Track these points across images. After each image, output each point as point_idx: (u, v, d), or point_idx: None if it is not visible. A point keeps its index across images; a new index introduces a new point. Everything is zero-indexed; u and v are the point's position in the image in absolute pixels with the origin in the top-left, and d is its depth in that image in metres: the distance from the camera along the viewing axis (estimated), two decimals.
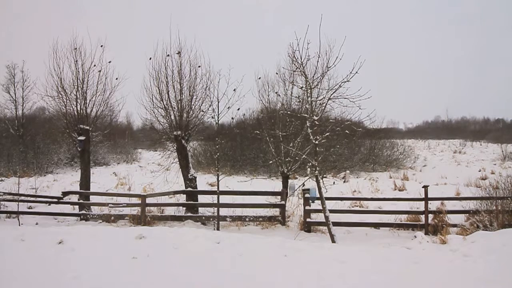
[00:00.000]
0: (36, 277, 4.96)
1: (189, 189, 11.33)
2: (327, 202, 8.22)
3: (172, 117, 11.37)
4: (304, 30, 7.84)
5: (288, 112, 10.62)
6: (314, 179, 8.20)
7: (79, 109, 11.48)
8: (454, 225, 9.09)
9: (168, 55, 11.16)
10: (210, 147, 23.21)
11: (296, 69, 8.67)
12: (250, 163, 22.80)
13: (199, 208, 11.21)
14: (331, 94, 8.16)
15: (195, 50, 11.40)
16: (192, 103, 11.33)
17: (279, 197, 11.01)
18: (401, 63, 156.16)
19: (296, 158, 10.95)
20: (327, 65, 8.55)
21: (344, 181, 18.52)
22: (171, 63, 11.20)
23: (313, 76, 9.06)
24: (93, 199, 11.95)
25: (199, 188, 12.14)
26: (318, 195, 8.46)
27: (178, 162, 11.64)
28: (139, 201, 10.43)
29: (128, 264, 5.48)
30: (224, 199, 10.45)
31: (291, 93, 11.79)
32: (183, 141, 11.33)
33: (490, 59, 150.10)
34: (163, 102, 11.26)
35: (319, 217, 9.56)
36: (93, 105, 11.64)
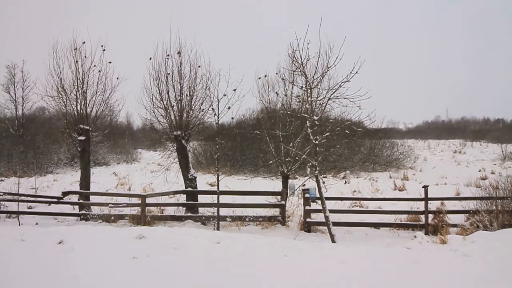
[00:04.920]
0: (36, 277, 4.96)
1: (189, 189, 11.33)
2: (327, 202, 8.22)
3: (172, 117, 11.37)
4: (304, 30, 7.85)
5: (288, 112, 10.62)
6: (314, 179, 8.21)
7: (79, 109, 11.48)
8: (454, 225, 9.09)
9: (168, 55, 11.17)
10: (210, 147, 23.21)
11: (296, 69, 8.66)
12: (250, 163, 22.81)
13: (199, 208, 11.21)
14: (331, 94, 8.15)
15: (195, 50, 11.43)
16: (192, 103, 11.34)
17: (279, 197, 11.01)
18: (401, 63, 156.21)
19: (296, 158, 10.95)
20: (327, 65, 8.53)
21: (345, 182, 18.50)
22: (171, 63, 11.23)
23: (313, 76, 9.05)
24: (93, 199, 11.95)
25: (199, 188, 12.14)
26: (318, 195, 8.46)
27: (178, 162, 11.64)
28: (139, 201, 10.43)
29: (128, 264, 5.47)
30: (224, 199, 10.44)
31: (291, 93, 11.79)
32: (183, 141, 11.33)
33: (490, 59, 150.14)
34: (163, 102, 11.27)
35: (319, 217, 9.56)
36: (93, 105, 11.65)
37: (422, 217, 9.53)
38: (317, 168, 8.00)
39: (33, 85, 23.05)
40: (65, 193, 11.69)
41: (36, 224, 10.11)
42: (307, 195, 9.73)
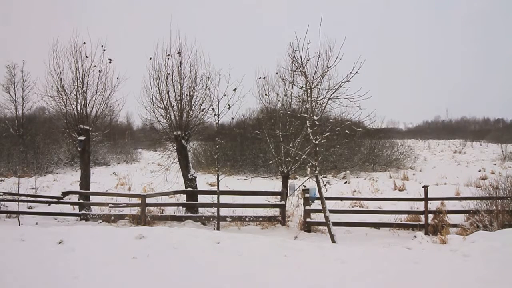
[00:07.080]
0: (36, 277, 4.96)
1: (189, 189, 11.33)
2: (327, 202, 8.22)
3: (172, 117, 11.37)
4: (304, 30, 7.85)
5: (288, 112, 10.62)
6: (314, 179, 8.20)
7: (79, 109, 11.48)
8: (454, 225, 9.09)
9: (168, 55, 11.16)
10: (210, 147, 23.21)
11: (296, 69, 8.66)
12: (250, 163, 22.81)
13: (199, 208, 11.22)
14: (331, 94, 8.15)
15: (195, 50, 11.43)
16: (192, 103, 11.34)
17: (279, 197, 11.01)
18: (402, 63, 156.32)
19: (296, 158, 10.95)
20: (327, 65, 8.54)
21: (346, 182, 18.50)
22: (171, 63, 11.22)
23: (313, 76, 9.05)
24: (93, 199, 11.95)
25: (199, 188, 12.14)
26: (318, 195, 8.46)
27: (178, 162, 11.64)
28: (139, 201, 10.43)
29: (128, 264, 5.47)
30: (224, 199, 10.44)
31: (291, 93, 11.79)
32: (183, 141, 11.33)
33: (490, 59, 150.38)
34: (163, 102, 11.27)
35: (319, 217, 9.56)
36: (93, 105, 11.65)
37: (422, 217, 9.52)
38: (317, 168, 8.00)
39: (33, 85, 23.11)
40: (65, 193, 11.69)
41: (36, 224, 10.10)
42: (307, 195, 9.73)
